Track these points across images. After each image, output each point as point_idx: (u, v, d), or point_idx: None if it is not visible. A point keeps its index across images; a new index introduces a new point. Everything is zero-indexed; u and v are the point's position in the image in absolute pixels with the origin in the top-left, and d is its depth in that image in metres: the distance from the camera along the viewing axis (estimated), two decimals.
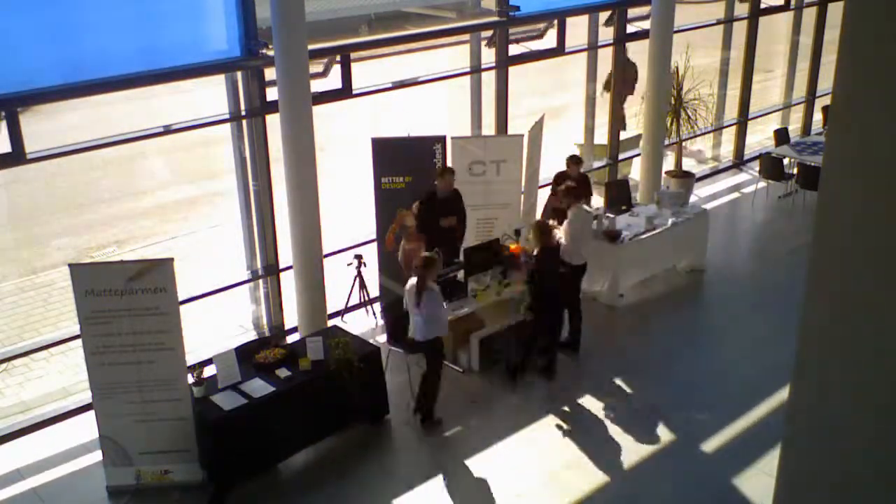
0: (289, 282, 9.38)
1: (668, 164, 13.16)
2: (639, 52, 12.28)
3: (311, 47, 8.45)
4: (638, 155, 12.77)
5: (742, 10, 14.28)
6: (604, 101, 13.02)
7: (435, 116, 14.78)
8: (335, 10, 10.95)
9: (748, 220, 13.08)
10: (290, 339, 9.34)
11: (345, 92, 9.49)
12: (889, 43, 2.88)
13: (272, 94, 8.75)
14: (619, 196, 11.29)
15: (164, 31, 8.15)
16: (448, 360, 8.55)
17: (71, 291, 6.96)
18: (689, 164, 13.81)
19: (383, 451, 7.92)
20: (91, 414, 7.44)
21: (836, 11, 14.88)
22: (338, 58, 9.40)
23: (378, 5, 11.77)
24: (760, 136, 15.90)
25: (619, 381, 8.80)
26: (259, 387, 7.39)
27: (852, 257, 3.18)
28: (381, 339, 9.34)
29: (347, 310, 9.95)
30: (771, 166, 13.25)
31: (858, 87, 3.04)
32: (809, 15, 15.46)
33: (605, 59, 12.52)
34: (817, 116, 16.06)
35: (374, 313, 10.00)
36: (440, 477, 7.51)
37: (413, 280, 7.74)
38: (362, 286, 9.81)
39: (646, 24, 12.07)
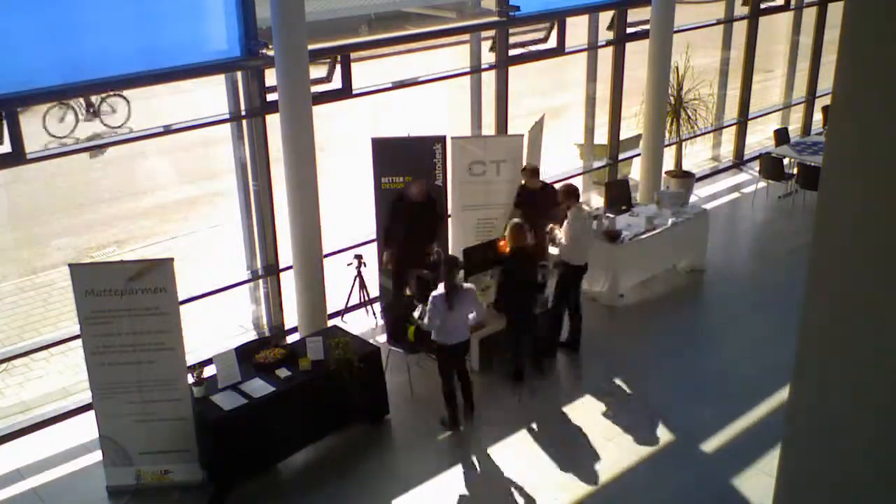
0: (289, 282, 9.38)
1: (668, 164, 13.15)
2: (639, 52, 12.28)
3: (311, 47, 8.45)
4: (638, 155, 12.77)
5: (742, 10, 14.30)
6: (604, 102, 13.02)
7: (435, 116, 14.77)
8: (335, 10, 10.97)
9: (748, 220, 13.08)
10: (290, 339, 9.33)
11: (345, 92, 9.49)
12: (889, 43, 2.88)
13: (272, 94, 8.75)
14: (619, 196, 11.28)
15: (164, 31, 8.14)
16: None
17: (71, 291, 6.96)
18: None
19: (383, 451, 7.92)
20: (91, 414, 7.44)
21: (836, 11, 14.87)
22: (338, 58, 9.40)
23: (378, 5, 11.80)
24: (760, 136, 15.89)
25: (618, 381, 8.80)
26: (259, 387, 7.39)
27: (852, 257, 3.18)
28: (381, 339, 9.34)
29: (347, 310, 9.95)
30: (771, 166, 13.25)
31: (858, 87, 3.04)
32: (809, 15, 15.45)
33: (606, 59, 12.51)
34: (817, 116, 16.06)
35: (374, 313, 10.00)
36: (440, 477, 7.51)
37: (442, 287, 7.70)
38: (362, 286, 9.81)
39: (646, 25, 12.07)
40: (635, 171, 13.41)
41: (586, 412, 8.32)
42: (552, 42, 11.41)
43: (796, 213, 12.89)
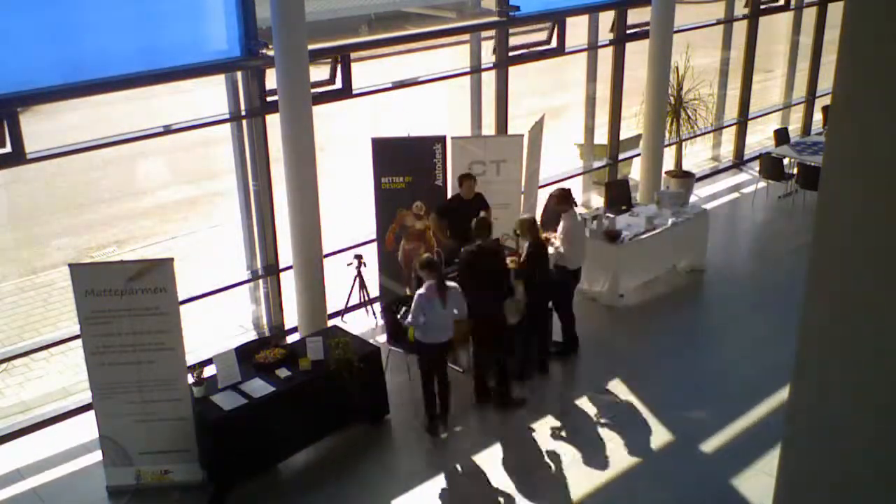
0: (289, 282, 9.38)
1: (668, 164, 13.15)
2: (639, 52, 12.28)
3: (311, 47, 8.45)
4: (638, 155, 12.77)
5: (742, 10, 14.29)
6: (604, 102, 13.02)
7: (435, 116, 14.78)
8: (335, 10, 10.97)
9: (748, 220, 13.08)
10: (290, 339, 9.33)
11: (345, 92, 9.49)
12: (889, 43, 2.88)
13: (272, 95, 8.75)
14: (619, 196, 11.28)
15: (164, 31, 8.15)
16: (448, 361, 8.54)
17: (71, 291, 6.96)
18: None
19: (383, 451, 7.92)
20: (91, 414, 7.44)
21: (836, 11, 14.88)
22: (338, 58, 9.40)
23: (378, 5, 11.81)
24: (760, 136, 15.89)
25: (618, 382, 8.80)
26: (259, 387, 7.39)
27: (852, 257, 3.18)
28: (381, 339, 9.34)
29: (347, 310, 9.95)
30: (771, 166, 13.25)
31: (858, 87, 3.04)
32: (809, 15, 15.46)
33: (606, 59, 12.51)
34: (817, 116, 16.06)
35: (374, 313, 10.00)
36: (440, 477, 7.51)
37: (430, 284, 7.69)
38: (362, 286, 9.81)
39: (646, 25, 12.07)
40: (635, 171, 13.41)
41: (586, 412, 8.32)
42: (552, 42, 11.41)
43: (796, 213, 12.89)
